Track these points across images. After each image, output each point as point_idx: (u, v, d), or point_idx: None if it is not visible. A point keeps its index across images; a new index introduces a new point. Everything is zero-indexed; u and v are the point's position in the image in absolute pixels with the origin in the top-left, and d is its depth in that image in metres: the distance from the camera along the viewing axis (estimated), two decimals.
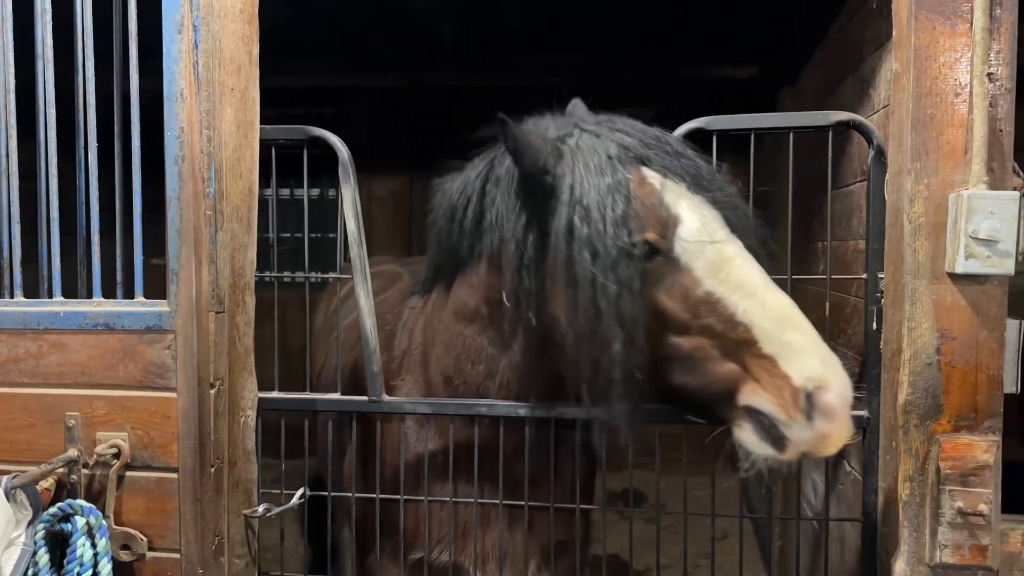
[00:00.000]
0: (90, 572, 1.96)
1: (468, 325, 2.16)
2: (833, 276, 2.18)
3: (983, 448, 1.75)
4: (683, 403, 1.93)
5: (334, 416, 2.35)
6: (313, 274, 2.35)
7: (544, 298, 1.93)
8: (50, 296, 2.17)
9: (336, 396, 2.30)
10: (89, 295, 2.16)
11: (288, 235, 6.69)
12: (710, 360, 1.76)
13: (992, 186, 1.72)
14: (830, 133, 2.13)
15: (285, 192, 6.78)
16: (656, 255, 1.80)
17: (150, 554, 2.08)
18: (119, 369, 2.07)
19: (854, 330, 2.65)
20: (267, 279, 2.35)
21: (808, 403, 1.63)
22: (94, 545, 1.97)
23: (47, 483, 2.03)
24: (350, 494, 2.33)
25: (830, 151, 2.14)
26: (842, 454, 2.59)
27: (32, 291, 2.19)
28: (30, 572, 1.94)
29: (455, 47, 5.88)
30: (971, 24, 1.72)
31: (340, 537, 3.14)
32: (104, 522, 1.99)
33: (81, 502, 2.00)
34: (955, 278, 1.75)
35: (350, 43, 5.81)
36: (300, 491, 2.26)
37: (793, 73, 4.48)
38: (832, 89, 3.43)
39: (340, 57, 6.07)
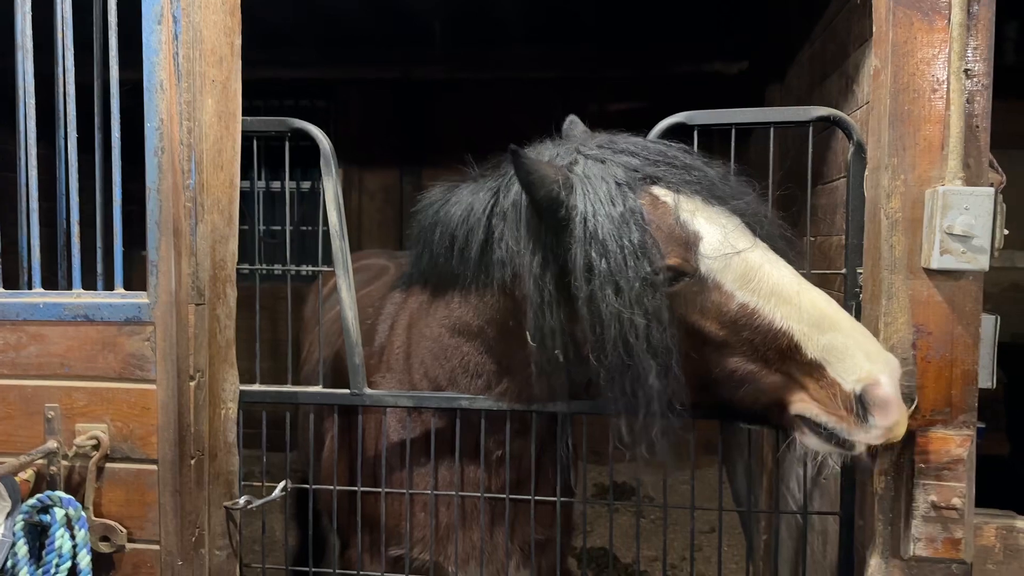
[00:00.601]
0: (69, 563, 1.96)
1: (467, 342, 2.14)
2: (813, 271, 2.18)
3: (957, 442, 1.76)
4: (734, 415, 1.93)
5: (315, 409, 2.36)
6: (294, 267, 2.35)
7: (571, 335, 1.86)
8: (29, 287, 2.16)
9: (317, 389, 2.30)
10: (69, 286, 2.15)
11: (278, 228, 6.69)
12: (756, 374, 1.74)
13: (968, 182, 1.72)
14: (810, 129, 2.13)
15: (277, 185, 6.77)
16: (682, 277, 1.75)
17: (129, 546, 2.08)
18: (99, 361, 2.07)
19: None
20: (246, 272, 2.35)
21: (861, 405, 1.62)
22: (73, 536, 1.98)
23: (26, 474, 2.03)
24: (331, 487, 2.34)
25: (810, 146, 2.14)
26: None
27: (12, 282, 2.19)
28: (9, 563, 1.94)
29: (447, 40, 5.87)
30: (949, 20, 1.73)
31: (327, 530, 3.15)
32: (83, 514, 2.00)
33: (60, 493, 2.00)
34: (931, 273, 1.76)
35: (342, 36, 5.80)
36: (282, 483, 2.26)
37: (781, 69, 4.49)
38: (818, 85, 3.44)
39: (332, 49, 6.05)
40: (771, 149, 2.16)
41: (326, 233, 2.23)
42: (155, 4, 2.00)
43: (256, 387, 2.28)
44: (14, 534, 1.96)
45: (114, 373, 2.07)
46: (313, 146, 2.22)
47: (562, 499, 2.21)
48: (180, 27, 2.00)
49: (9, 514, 1.97)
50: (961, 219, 1.68)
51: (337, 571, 2.49)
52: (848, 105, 2.80)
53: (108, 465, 2.08)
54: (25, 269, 2.18)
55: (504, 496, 2.21)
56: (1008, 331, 1.90)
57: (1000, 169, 1.78)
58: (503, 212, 1.97)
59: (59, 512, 1.97)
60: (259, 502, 2.20)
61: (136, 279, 2.12)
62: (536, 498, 2.18)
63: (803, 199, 2.22)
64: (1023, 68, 4.30)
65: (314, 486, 2.41)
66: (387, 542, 2.29)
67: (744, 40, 5.58)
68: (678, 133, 2.11)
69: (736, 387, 1.78)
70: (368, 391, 2.23)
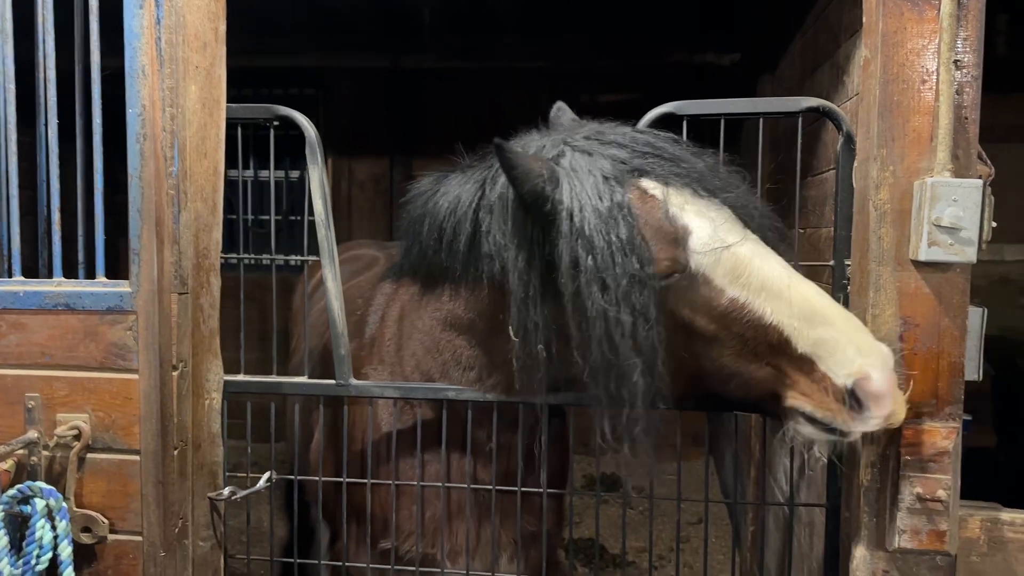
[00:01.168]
0: (49, 554, 1.94)
1: (459, 335, 2.13)
2: (801, 263, 2.17)
3: (943, 435, 1.76)
4: (725, 406, 1.93)
5: (302, 400, 2.34)
6: (280, 256, 2.33)
7: (554, 330, 1.84)
8: (9, 275, 2.13)
9: (302, 379, 2.28)
10: (50, 275, 2.12)
11: (267, 217, 6.64)
12: (748, 367, 1.74)
13: (957, 174, 1.71)
14: (800, 120, 2.12)
15: (265, 174, 6.72)
16: (671, 274, 1.73)
17: (111, 537, 2.06)
18: (80, 350, 2.05)
19: None
20: (234, 261, 2.33)
21: (855, 399, 1.62)
22: (54, 527, 1.95)
23: (6, 464, 2.01)
24: (317, 478, 2.32)
25: (800, 137, 2.13)
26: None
27: None
28: None
29: (437, 29, 5.83)
30: (939, 11, 1.71)
31: (316, 521, 3.14)
32: (64, 504, 1.97)
33: (41, 484, 1.97)
34: (919, 265, 1.76)
35: (332, 23, 5.75)
36: (267, 474, 2.25)
37: (774, 60, 4.48)
38: (810, 76, 3.43)
39: (322, 37, 6.00)
40: (760, 140, 2.15)
41: (312, 223, 2.21)
42: None
43: (241, 377, 2.26)
44: None
45: (96, 363, 2.04)
46: (302, 135, 2.19)
47: (548, 491, 2.20)
48: (163, 11, 1.96)
49: None
50: (949, 211, 1.67)
51: (323, 562, 2.48)
52: (839, 96, 2.79)
53: (90, 455, 2.06)
54: (5, 257, 2.15)
55: (491, 487, 2.20)
56: (995, 324, 1.90)
57: (989, 161, 1.77)
58: (489, 206, 1.94)
59: (40, 503, 1.95)
60: (243, 493, 2.18)
61: (123, 269, 2.09)
62: (523, 489, 2.17)
63: (793, 191, 2.22)
64: (1013, 61, 4.30)
65: (300, 477, 2.40)
66: (378, 534, 2.28)
67: (736, 31, 5.56)
68: (668, 124, 2.09)
69: (726, 380, 1.78)
70: (354, 382, 2.22)
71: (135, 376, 2.03)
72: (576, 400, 2.05)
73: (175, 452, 2.05)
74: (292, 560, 2.41)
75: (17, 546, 1.97)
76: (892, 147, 1.76)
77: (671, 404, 1.77)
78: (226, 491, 2.16)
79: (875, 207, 1.79)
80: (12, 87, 2.10)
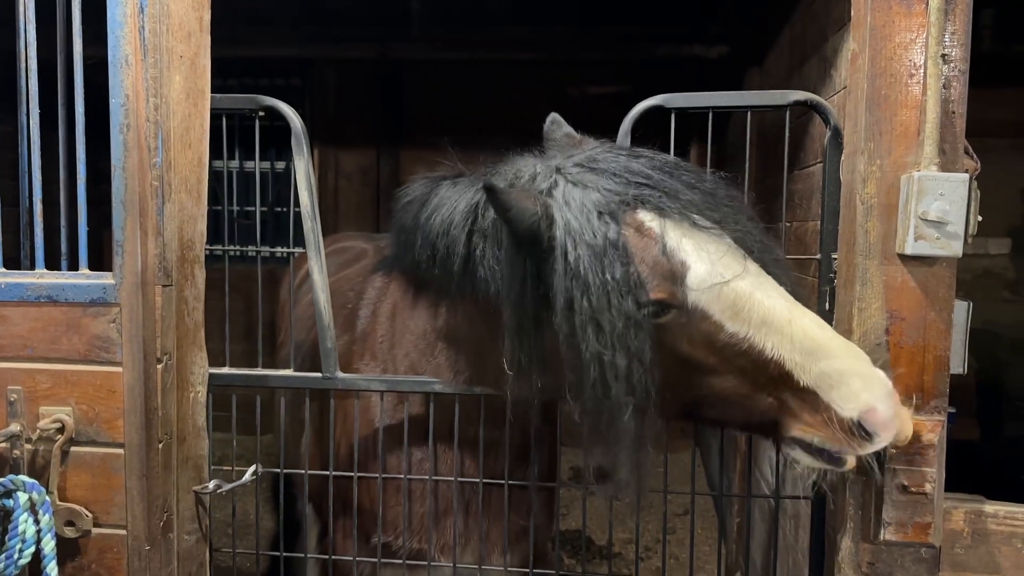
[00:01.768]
0: (33, 548, 1.93)
1: (451, 345, 2.14)
2: (789, 256, 2.18)
3: (928, 428, 1.77)
4: (725, 428, 1.94)
5: (290, 393, 2.33)
6: (266, 248, 2.31)
7: (548, 363, 1.82)
8: None
9: (288, 372, 2.27)
10: (32, 266, 2.10)
11: (252, 209, 6.59)
12: (747, 398, 1.72)
13: (944, 168, 1.72)
14: (787, 113, 2.12)
15: (251, 165, 6.68)
16: (669, 310, 1.69)
17: (95, 530, 2.04)
18: (63, 342, 2.02)
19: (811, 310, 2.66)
20: (219, 253, 2.31)
21: (862, 429, 1.61)
22: (37, 521, 1.94)
23: None
24: (303, 471, 2.31)
25: (787, 130, 2.13)
26: None
27: None
28: None
29: (425, 20, 5.80)
30: (927, 5, 1.72)
31: (303, 514, 3.13)
32: (48, 498, 1.96)
33: (23, 477, 1.95)
34: (905, 259, 1.76)
35: (319, 12, 5.71)
36: (252, 468, 2.23)
37: (761, 53, 4.48)
38: (797, 69, 3.43)
39: (308, 27, 5.95)
40: (748, 133, 2.15)
41: (298, 214, 2.19)
42: None
43: (226, 370, 2.24)
44: None
45: (79, 355, 2.02)
46: (287, 125, 2.17)
47: (538, 483, 2.20)
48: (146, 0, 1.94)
49: None
50: (936, 205, 1.68)
51: (309, 555, 2.47)
52: (826, 90, 2.79)
53: (73, 449, 2.04)
54: None
55: (477, 480, 2.19)
56: (979, 318, 1.91)
57: (975, 156, 1.78)
58: (483, 232, 1.90)
59: (22, 496, 1.93)
60: (229, 486, 2.17)
61: (106, 260, 2.07)
62: (509, 482, 2.17)
63: (780, 184, 2.22)
64: (1000, 56, 4.32)
65: (286, 471, 2.39)
66: (368, 528, 2.27)
67: (724, 23, 5.56)
68: (656, 116, 2.09)
69: (727, 409, 1.77)
70: (340, 374, 2.21)
71: (119, 369, 2.01)
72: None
73: (160, 445, 2.03)
74: (279, 554, 2.40)
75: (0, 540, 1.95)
76: (879, 141, 1.77)
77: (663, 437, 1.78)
78: (211, 484, 2.15)
79: (862, 201, 1.79)
80: None
